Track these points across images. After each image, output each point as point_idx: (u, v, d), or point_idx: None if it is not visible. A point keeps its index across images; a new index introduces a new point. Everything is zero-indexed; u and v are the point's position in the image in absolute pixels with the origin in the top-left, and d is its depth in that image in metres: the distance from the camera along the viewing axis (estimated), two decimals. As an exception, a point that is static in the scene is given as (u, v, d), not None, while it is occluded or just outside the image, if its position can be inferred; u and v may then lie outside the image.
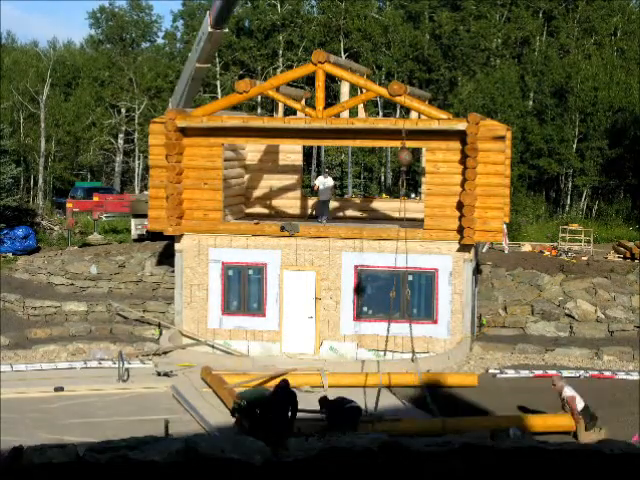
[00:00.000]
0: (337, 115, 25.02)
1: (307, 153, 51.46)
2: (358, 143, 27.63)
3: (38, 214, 42.35)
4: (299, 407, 16.91)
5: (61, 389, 20.61)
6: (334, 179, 56.59)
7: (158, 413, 18.07)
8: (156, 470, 5.32)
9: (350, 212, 29.08)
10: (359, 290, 24.68)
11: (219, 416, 18.46)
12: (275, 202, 28.96)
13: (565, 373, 22.96)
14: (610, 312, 26.19)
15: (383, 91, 24.74)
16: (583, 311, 26.25)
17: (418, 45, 61.58)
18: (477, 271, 27.08)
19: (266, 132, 24.89)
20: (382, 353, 23.81)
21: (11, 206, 38.20)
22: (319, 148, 56.71)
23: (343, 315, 24.91)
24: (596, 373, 22.88)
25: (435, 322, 24.48)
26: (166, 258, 28.98)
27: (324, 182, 27.23)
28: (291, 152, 28.90)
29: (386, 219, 27.80)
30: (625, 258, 32.52)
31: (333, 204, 29.05)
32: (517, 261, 29.73)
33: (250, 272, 25.37)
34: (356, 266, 24.86)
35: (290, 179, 28.95)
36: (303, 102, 27.88)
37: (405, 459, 5.63)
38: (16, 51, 73.22)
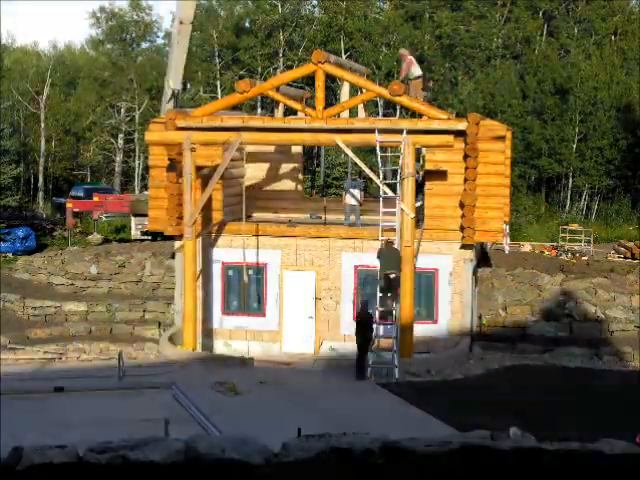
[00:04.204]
0: (337, 115, 25.02)
1: (307, 153, 51.38)
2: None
3: (39, 214, 42.40)
4: None
5: (61, 389, 20.60)
6: (334, 179, 56.71)
7: (158, 413, 18.06)
8: (156, 470, 5.32)
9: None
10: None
11: (220, 416, 18.46)
12: (275, 200, 28.89)
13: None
14: (610, 312, 26.19)
15: (383, 91, 24.75)
16: (583, 311, 26.24)
17: (418, 45, 61.61)
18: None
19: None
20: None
21: (11, 206, 38.23)
22: (319, 148, 56.65)
23: (343, 315, 24.92)
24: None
25: (435, 322, 24.49)
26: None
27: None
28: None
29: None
30: (625, 258, 32.56)
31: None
32: (517, 261, 29.74)
33: (250, 272, 25.37)
34: (356, 266, 24.86)
35: (290, 174, 28.97)
36: (303, 102, 27.87)
37: (405, 459, 5.63)
38: (16, 51, 73.25)
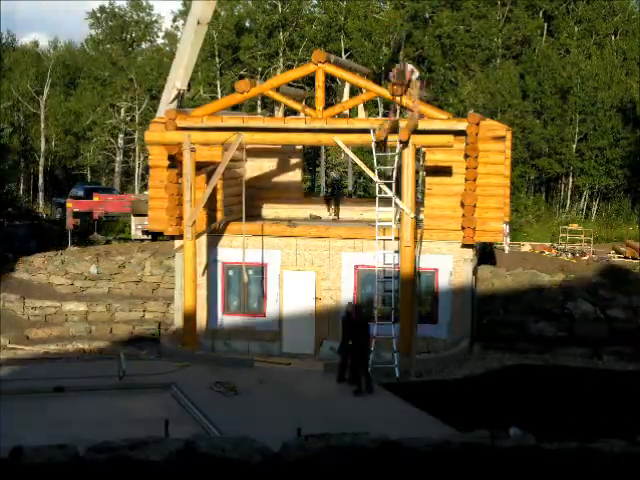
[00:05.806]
0: (337, 115, 25.02)
1: (307, 153, 51.41)
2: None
3: (39, 214, 42.41)
4: None
5: (61, 389, 20.61)
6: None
7: (158, 413, 18.08)
8: (156, 470, 5.32)
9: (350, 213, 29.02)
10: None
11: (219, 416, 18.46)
12: (274, 199, 28.86)
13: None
14: (610, 312, 26.18)
15: (383, 91, 24.75)
16: (583, 311, 26.24)
17: (418, 45, 61.59)
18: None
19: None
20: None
21: (11, 206, 38.24)
22: (319, 148, 56.71)
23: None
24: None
25: (435, 322, 24.47)
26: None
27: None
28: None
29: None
30: (625, 258, 32.56)
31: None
32: (517, 261, 29.74)
33: (250, 272, 25.36)
34: (356, 266, 24.86)
35: (291, 173, 28.98)
36: (303, 102, 27.87)
37: (405, 459, 5.63)
38: (16, 51, 73.22)
